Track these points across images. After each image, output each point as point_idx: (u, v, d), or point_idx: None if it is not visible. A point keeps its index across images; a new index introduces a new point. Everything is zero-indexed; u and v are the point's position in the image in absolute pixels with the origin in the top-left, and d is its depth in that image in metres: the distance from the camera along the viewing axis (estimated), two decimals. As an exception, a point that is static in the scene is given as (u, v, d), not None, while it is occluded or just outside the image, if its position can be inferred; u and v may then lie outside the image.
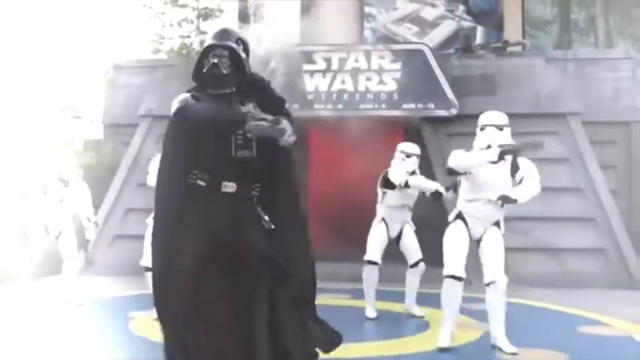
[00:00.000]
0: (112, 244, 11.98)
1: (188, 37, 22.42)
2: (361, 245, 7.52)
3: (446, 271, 5.64)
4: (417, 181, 7.12)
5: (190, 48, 20.27)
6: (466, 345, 5.91)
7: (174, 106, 3.77)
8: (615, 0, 16.36)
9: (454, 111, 11.83)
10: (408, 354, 5.50)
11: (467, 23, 15.26)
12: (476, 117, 11.51)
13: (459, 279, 5.59)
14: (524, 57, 12.59)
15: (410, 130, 11.62)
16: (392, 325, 7.02)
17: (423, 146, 11.84)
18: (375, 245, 7.37)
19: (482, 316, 7.39)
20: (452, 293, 5.62)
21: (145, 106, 12.98)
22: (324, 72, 12.41)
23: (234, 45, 3.79)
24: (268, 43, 15.68)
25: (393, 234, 7.45)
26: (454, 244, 5.65)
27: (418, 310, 7.40)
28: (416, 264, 7.45)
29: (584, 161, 11.41)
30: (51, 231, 7.35)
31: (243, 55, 3.84)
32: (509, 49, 13.34)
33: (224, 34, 3.90)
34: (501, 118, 5.97)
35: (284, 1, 15.72)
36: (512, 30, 14.67)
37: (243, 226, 3.67)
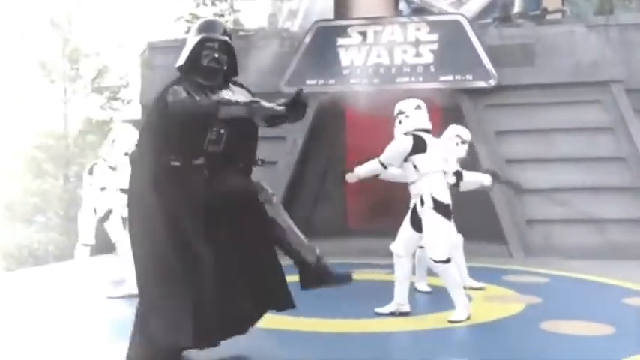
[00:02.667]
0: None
1: (222, 15, 22.48)
2: (400, 220, 7.46)
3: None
4: (471, 177, 6.80)
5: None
6: (507, 318, 5.85)
7: (171, 98, 3.89)
8: (658, -38, 15.85)
9: (493, 82, 11.64)
10: (452, 327, 5.46)
11: (504, -8, 14.91)
12: (515, 87, 11.55)
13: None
14: (564, 24, 12.27)
15: (448, 103, 11.48)
16: (428, 299, 6.98)
17: (461, 118, 11.77)
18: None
19: (522, 288, 7.38)
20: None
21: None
22: (359, 46, 12.29)
23: (228, 40, 4.00)
24: (302, 18, 15.66)
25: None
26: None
27: (476, 283, 7.17)
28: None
29: (627, 130, 11.14)
30: (98, 213, 7.41)
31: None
32: (548, 16, 13.00)
33: (217, 26, 4.08)
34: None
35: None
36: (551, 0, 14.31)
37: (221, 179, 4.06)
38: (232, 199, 4.05)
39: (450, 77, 11.84)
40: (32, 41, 19.65)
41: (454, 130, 7.19)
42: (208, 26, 4.09)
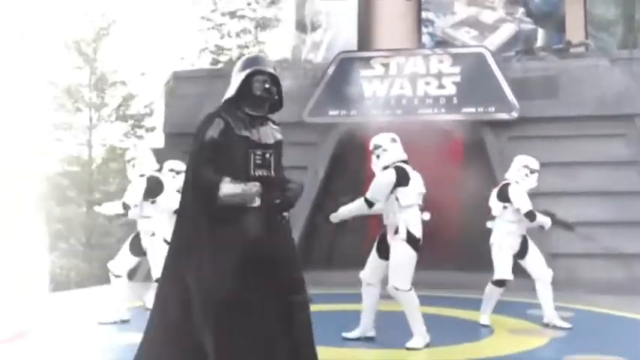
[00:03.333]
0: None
1: (247, 47, 22.75)
2: (423, 252, 7.40)
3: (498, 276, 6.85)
4: (544, 219, 6.86)
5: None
6: (532, 351, 5.76)
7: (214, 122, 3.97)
8: (682, -3, 15.82)
9: (515, 114, 11.62)
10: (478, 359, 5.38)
11: (527, 26, 14.96)
12: (538, 120, 11.52)
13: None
14: (588, 58, 12.27)
15: (470, 135, 11.46)
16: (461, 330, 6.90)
17: (484, 151, 11.74)
18: (507, 263, 6.90)
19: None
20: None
21: (205, 114, 13.15)
22: (382, 77, 12.36)
23: (276, 74, 4.08)
24: (326, 50, 15.80)
25: (515, 249, 6.99)
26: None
27: (560, 321, 6.97)
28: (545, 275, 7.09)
29: (652, 164, 11.04)
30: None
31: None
32: (571, 50, 13.02)
33: (266, 61, 4.17)
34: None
35: (341, 8, 15.78)
36: (575, 31, 14.31)
37: (273, 234, 3.97)
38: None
39: (472, 109, 11.85)
40: (59, 69, 20.01)
41: (521, 160, 7.12)
42: (257, 60, 4.20)
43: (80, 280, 16.82)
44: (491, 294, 6.95)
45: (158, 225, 7.03)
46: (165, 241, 6.64)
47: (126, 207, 6.94)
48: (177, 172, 7.67)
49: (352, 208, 5.84)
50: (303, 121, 12.09)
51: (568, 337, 6.47)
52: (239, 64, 4.27)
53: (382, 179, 5.75)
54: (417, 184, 5.84)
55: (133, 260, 7.19)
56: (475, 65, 12.02)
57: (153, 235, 6.97)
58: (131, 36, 23.60)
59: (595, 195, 11.02)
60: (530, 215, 6.74)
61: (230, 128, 3.97)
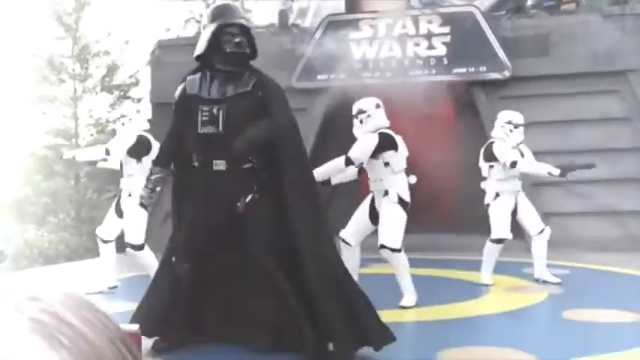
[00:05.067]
0: (165, 221, 12.02)
1: (232, 15, 22.40)
2: (415, 217, 7.27)
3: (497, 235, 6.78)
4: (528, 167, 6.82)
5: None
6: (530, 307, 5.69)
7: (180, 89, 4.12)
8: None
9: (507, 73, 11.45)
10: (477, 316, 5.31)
11: (517, -15, 14.73)
12: (530, 79, 11.34)
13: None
14: (579, 14, 12.07)
15: (461, 95, 11.30)
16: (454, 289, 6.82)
17: (476, 111, 11.59)
18: (504, 222, 6.82)
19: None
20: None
21: (192, 82, 12.93)
22: (370, 39, 12.14)
23: (245, 23, 4.05)
24: (313, 16, 15.54)
25: (511, 206, 6.93)
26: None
27: (551, 277, 6.96)
28: (541, 231, 7.04)
29: (646, 120, 10.93)
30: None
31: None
32: (562, 7, 12.81)
33: (234, 11, 4.07)
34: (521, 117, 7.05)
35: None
36: (565, -10, 14.10)
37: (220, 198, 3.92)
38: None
39: (463, 70, 11.66)
40: (41, 40, 19.62)
41: (504, 116, 7.04)
42: (224, 11, 4.05)
43: (70, 253, 16.64)
44: (490, 252, 6.86)
45: (137, 186, 6.77)
46: (142, 204, 6.46)
47: (108, 152, 6.74)
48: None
49: (329, 167, 5.70)
50: (292, 87, 11.88)
51: (565, 293, 6.41)
52: (207, 13, 4.10)
53: (367, 141, 5.66)
54: (403, 148, 5.79)
55: (120, 223, 6.96)
56: (465, 25, 11.81)
57: (130, 196, 6.64)
58: (114, 6, 23.22)
59: (589, 152, 10.86)
60: (514, 165, 6.65)
61: (185, 89, 4.00)
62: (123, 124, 7.11)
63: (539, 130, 11.33)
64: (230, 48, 3.90)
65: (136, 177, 6.71)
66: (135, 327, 3.35)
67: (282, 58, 12.10)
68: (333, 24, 12.41)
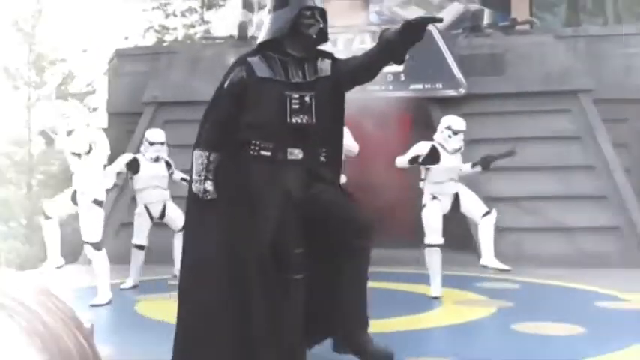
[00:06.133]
0: (118, 233, 11.87)
1: (192, 26, 22.33)
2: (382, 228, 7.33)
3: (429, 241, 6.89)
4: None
5: (194, 38, 20.17)
6: (478, 320, 5.76)
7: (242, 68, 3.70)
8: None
9: (462, 90, 11.65)
10: (423, 329, 5.35)
11: (474, 5, 15.00)
12: (485, 96, 11.54)
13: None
14: (533, 35, 12.37)
15: (418, 111, 11.44)
16: (405, 302, 6.87)
17: (432, 127, 11.74)
18: (437, 226, 6.85)
19: (494, 294, 7.30)
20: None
21: (149, 92, 12.83)
22: (330, 54, 12.20)
23: (322, 7, 3.74)
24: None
25: (446, 210, 6.96)
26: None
27: (499, 263, 7.01)
28: (487, 213, 7.06)
29: (596, 139, 11.20)
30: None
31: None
32: (517, 27, 13.11)
33: None
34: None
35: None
36: (520, 12, 14.44)
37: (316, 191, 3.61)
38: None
39: (420, 86, 11.82)
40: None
41: (445, 122, 7.09)
42: None
43: (21, 262, 16.32)
44: (431, 261, 6.83)
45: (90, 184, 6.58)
46: (95, 201, 6.38)
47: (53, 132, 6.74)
48: (151, 143, 7.81)
49: None
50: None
51: (515, 307, 6.50)
52: None
53: None
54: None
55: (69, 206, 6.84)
56: (422, 42, 11.85)
57: (82, 194, 6.52)
58: (72, 13, 22.95)
59: (540, 170, 11.15)
60: (413, 162, 6.92)
61: (251, 72, 3.62)
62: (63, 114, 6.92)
63: (493, 146, 11.49)
64: (314, 33, 3.69)
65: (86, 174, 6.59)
66: (88, 321, 3.25)
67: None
68: (292, 38, 12.46)
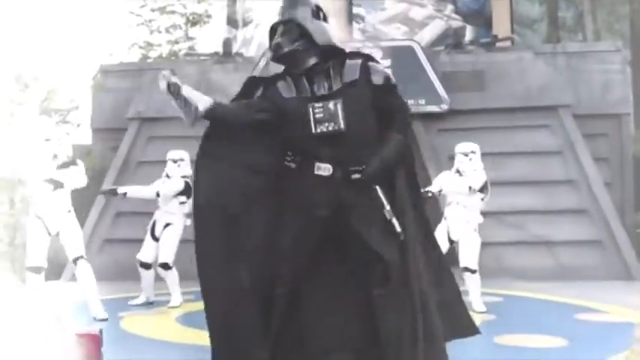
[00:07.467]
0: (102, 249, 11.84)
1: (177, 42, 22.35)
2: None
3: None
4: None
5: (179, 54, 20.21)
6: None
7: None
8: (602, -3, 16.42)
9: (445, 106, 11.79)
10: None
11: (456, 23, 15.22)
12: (467, 112, 11.69)
13: None
14: (514, 51, 12.56)
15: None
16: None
17: (414, 143, 11.85)
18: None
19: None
20: None
21: (134, 108, 12.85)
22: (313, 70, 12.30)
23: (296, 17, 3.39)
24: (257, 46, 15.66)
25: (453, 233, 7.35)
26: None
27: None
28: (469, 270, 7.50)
29: (576, 153, 11.37)
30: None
31: (311, 23, 3.46)
32: (498, 44, 13.31)
33: (292, 2, 3.47)
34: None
35: (272, 4, 15.68)
36: (501, 29, 14.65)
37: (347, 210, 3.27)
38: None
39: (403, 102, 11.93)
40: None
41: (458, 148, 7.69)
42: (281, 9, 3.52)
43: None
44: None
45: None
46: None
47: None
48: (175, 161, 7.97)
49: None
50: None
51: (497, 319, 6.57)
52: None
53: None
54: None
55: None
56: (405, 58, 12.13)
57: (69, 212, 6.62)
58: (56, 29, 22.91)
59: (521, 184, 11.27)
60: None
61: (276, 93, 3.40)
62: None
63: (476, 161, 11.68)
64: (276, 54, 3.40)
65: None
66: (96, 329, 3.24)
67: (224, 86, 12.16)
68: (276, 54, 12.55)
